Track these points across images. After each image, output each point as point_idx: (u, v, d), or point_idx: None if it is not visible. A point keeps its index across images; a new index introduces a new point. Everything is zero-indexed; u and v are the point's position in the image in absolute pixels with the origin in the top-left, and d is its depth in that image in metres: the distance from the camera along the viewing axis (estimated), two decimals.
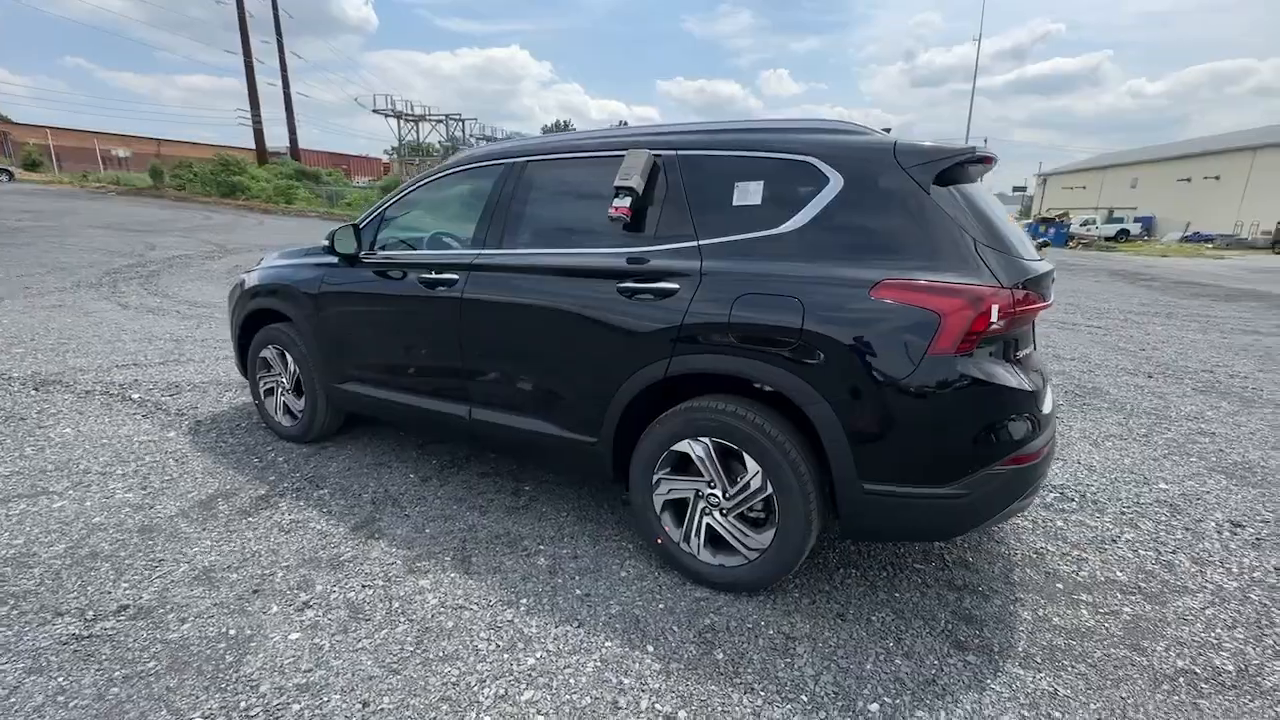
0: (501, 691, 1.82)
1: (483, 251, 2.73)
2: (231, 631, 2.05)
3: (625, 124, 3.66)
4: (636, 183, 2.32)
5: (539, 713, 1.75)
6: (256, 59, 31.34)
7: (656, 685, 1.87)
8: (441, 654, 1.97)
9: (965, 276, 1.88)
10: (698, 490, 2.28)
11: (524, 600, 2.25)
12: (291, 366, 3.51)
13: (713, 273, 2.17)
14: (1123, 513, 3.03)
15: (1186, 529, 2.89)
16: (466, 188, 3.02)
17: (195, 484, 3.07)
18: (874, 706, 1.80)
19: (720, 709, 1.78)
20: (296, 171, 31.71)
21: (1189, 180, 39.72)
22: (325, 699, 1.78)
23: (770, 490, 2.11)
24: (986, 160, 2.11)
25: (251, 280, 3.72)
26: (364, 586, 2.31)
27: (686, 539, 2.33)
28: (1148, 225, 37.72)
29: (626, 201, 2.33)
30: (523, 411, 2.68)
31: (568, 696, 1.82)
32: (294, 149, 35.05)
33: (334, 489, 3.09)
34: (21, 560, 2.39)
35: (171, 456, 3.36)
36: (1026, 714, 1.78)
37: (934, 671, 1.94)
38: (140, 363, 5.00)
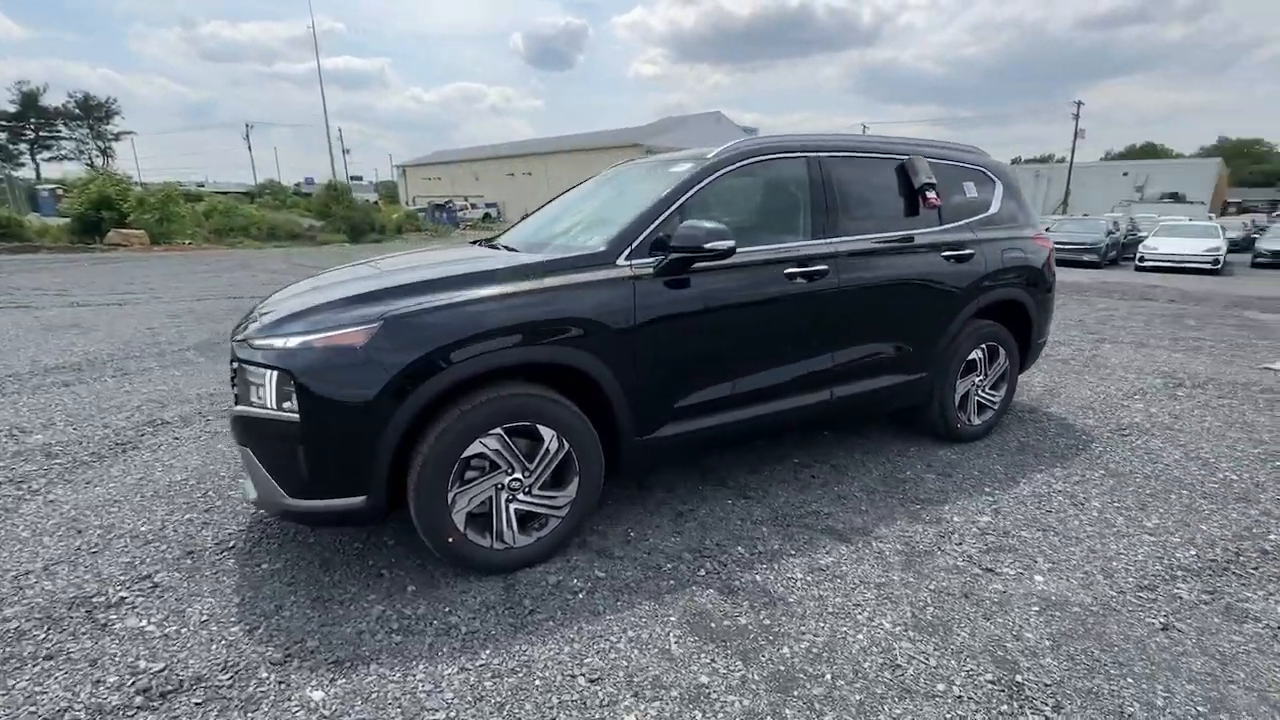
0: (1096, 547, 2.84)
1: (836, 239, 2.92)
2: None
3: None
4: (935, 181, 3.25)
5: (1118, 545, 2.90)
6: None
7: (1049, 490, 3.25)
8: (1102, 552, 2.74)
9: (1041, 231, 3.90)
10: (974, 381, 3.57)
11: (982, 502, 3.06)
12: (552, 445, 2.34)
13: (984, 240, 3.42)
14: None
15: None
16: (759, 179, 2.94)
17: (610, 641, 2.00)
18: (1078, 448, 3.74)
19: (1072, 496, 3.34)
20: None
21: (513, 175, 52.92)
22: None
23: (1005, 361, 3.66)
24: None
25: (414, 345, 2.10)
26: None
27: (970, 419, 3.59)
28: (499, 210, 48.83)
29: (934, 194, 3.23)
30: (881, 373, 3.16)
31: (1073, 523, 3.01)
32: None
33: (730, 539, 2.61)
34: None
35: (500, 654, 1.87)
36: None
37: (1083, 434, 4.03)
38: None
